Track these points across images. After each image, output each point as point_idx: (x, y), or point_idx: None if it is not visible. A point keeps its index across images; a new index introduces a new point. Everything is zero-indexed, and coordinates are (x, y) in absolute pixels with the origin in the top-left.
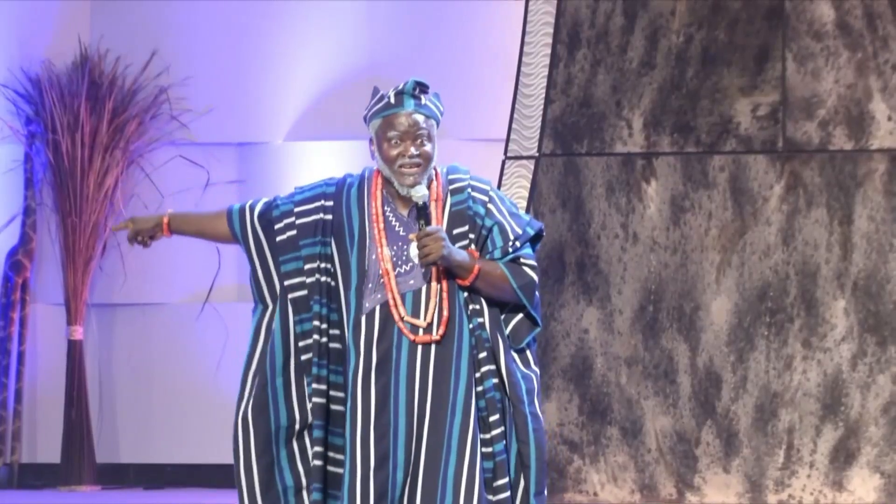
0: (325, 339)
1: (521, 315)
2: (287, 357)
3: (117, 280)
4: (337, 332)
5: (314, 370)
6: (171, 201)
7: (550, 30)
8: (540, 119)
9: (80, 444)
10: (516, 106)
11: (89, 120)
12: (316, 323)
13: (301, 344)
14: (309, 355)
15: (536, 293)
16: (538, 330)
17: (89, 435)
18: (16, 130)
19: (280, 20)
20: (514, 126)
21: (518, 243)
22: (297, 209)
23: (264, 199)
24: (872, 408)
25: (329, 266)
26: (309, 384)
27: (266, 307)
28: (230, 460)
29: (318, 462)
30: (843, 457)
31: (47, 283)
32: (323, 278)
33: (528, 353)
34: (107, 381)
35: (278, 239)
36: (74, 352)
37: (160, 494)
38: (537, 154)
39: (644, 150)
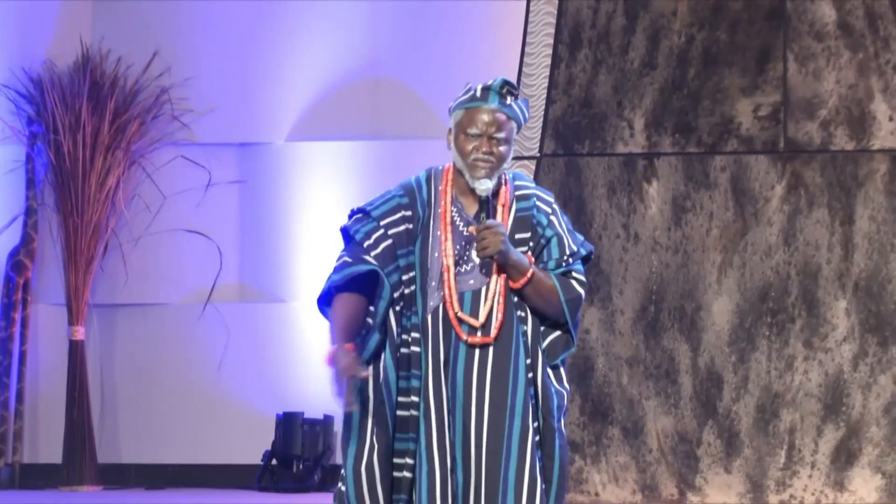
0: (406, 350)
1: (559, 332)
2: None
3: (119, 280)
4: (417, 335)
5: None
6: (172, 201)
7: (552, 30)
8: (541, 119)
9: (82, 444)
10: None
11: (91, 120)
12: (405, 336)
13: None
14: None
15: (579, 313)
16: (573, 349)
17: (91, 435)
18: (17, 131)
19: (281, 21)
20: None
21: (571, 259)
22: (381, 222)
23: (345, 253)
24: (874, 408)
25: (415, 275)
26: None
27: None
28: (231, 460)
29: (402, 473)
30: (845, 457)
31: (49, 283)
32: (413, 288)
33: (561, 369)
34: (108, 382)
35: (373, 254)
36: (76, 352)
37: (161, 495)
38: (539, 154)
39: (645, 151)
